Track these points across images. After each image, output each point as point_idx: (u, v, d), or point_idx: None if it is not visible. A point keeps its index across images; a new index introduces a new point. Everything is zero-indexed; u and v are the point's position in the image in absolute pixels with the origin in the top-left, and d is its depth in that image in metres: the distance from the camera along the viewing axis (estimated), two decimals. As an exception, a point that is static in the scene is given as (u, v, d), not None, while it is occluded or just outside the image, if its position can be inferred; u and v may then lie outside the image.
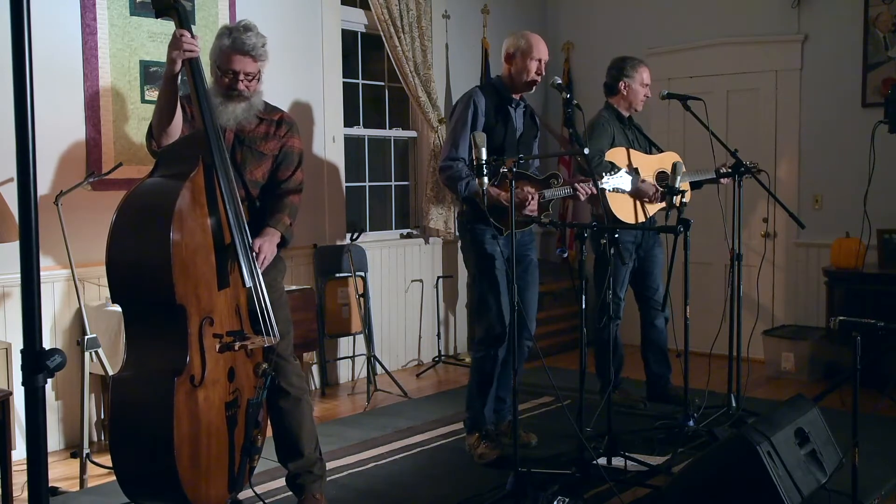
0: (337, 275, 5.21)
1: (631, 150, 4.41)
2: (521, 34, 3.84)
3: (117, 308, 3.88)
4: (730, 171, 4.22)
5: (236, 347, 2.68)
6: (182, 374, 2.51)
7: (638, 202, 4.36)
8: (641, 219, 4.40)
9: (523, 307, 3.67)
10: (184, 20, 2.72)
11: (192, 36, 2.71)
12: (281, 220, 2.98)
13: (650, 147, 4.62)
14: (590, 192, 3.75)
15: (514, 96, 3.83)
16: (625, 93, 4.49)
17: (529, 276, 3.89)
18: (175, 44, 2.67)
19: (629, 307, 4.80)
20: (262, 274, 2.84)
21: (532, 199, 3.64)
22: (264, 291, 2.78)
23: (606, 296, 4.38)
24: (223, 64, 2.92)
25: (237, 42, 2.88)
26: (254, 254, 2.77)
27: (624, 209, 4.31)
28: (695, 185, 4.51)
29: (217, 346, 2.65)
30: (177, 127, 2.82)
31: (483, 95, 3.78)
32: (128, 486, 2.61)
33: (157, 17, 2.81)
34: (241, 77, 2.91)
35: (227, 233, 2.71)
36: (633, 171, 4.20)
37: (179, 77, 2.73)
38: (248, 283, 2.74)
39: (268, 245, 2.86)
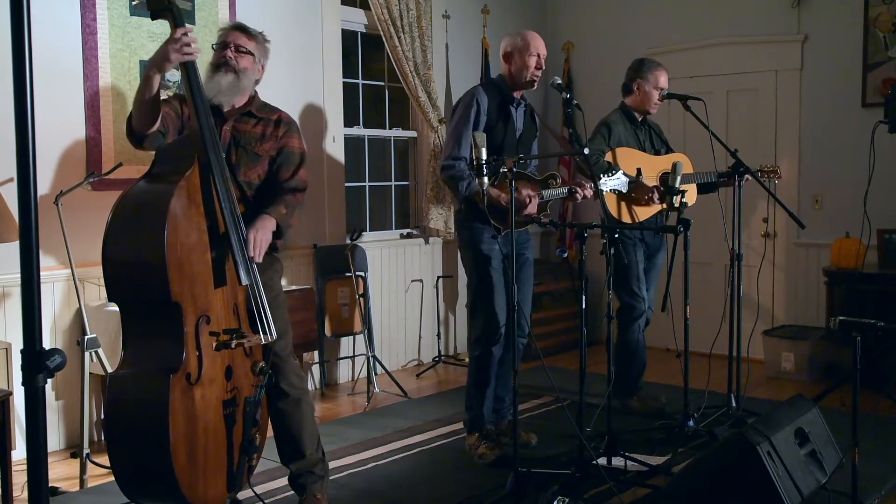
0: (337, 275, 5.21)
1: (638, 152, 4.40)
2: (517, 33, 3.84)
3: (117, 308, 3.87)
4: (730, 170, 4.21)
5: (233, 345, 2.67)
6: (178, 372, 2.51)
7: (635, 206, 4.33)
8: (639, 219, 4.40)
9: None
10: (178, 22, 2.67)
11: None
12: (277, 210, 2.93)
13: (666, 150, 4.60)
14: (587, 194, 3.74)
15: (515, 95, 3.83)
16: (637, 92, 4.45)
17: (524, 275, 3.89)
18: (176, 43, 2.60)
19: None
20: (258, 273, 2.83)
21: (531, 202, 3.63)
22: (261, 289, 2.78)
23: (621, 296, 4.39)
24: (218, 40, 3.02)
25: (234, 22, 3.06)
26: (248, 248, 2.74)
27: (625, 211, 4.30)
28: (707, 189, 4.48)
29: (214, 345, 2.64)
30: (156, 123, 2.76)
31: (486, 94, 3.77)
32: (125, 485, 2.61)
33: (152, 20, 2.76)
34: (231, 47, 2.96)
35: (223, 231, 2.70)
36: (637, 172, 4.18)
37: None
38: (245, 281, 2.73)
39: (261, 233, 2.81)
